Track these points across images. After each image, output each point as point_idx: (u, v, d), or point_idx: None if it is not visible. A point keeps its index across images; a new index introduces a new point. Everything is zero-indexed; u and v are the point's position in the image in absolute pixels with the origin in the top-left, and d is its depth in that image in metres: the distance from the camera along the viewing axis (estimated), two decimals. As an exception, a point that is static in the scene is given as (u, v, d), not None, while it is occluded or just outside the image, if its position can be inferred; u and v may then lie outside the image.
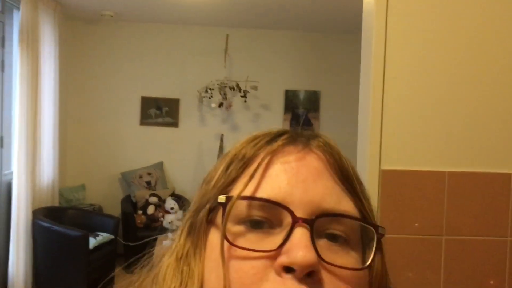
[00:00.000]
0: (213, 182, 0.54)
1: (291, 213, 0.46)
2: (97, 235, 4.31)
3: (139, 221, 5.01)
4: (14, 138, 4.09)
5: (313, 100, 5.81)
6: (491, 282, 1.46)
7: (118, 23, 5.56)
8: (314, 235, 0.45)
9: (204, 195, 0.54)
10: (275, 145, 0.52)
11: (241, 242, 0.47)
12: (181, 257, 0.52)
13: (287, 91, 5.78)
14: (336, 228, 0.48)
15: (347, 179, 0.51)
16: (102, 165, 5.59)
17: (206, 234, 0.52)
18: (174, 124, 5.70)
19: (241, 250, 0.46)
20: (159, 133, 5.68)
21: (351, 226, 0.48)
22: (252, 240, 0.47)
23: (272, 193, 0.48)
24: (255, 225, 0.47)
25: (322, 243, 0.46)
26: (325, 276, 0.45)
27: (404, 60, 1.44)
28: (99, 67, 5.61)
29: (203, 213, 0.52)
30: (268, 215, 0.47)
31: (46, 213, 4.24)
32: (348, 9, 4.24)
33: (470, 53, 1.46)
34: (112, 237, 4.44)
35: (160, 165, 5.63)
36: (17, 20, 4.18)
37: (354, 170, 0.54)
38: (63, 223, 4.22)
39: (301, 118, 5.80)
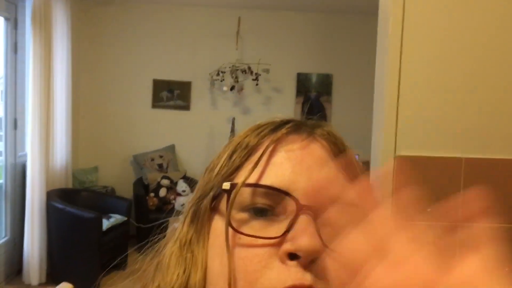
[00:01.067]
0: (216, 170, 0.54)
1: (296, 200, 0.46)
2: (110, 217, 4.35)
3: (151, 204, 5.05)
4: (27, 120, 4.12)
5: (326, 83, 5.76)
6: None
7: (131, 4, 5.53)
8: (317, 221, 0.45)
9: (208, 183, 0.54)
10: (279, 133, 0.52)
11: (245, 229, 0.47)
12: (184, 244, 0.53)
13: (299, 74, 5.74)
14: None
15: (350, 167, 0.52)
16: (115, 147, 5.63)
17: (209, 221, 0.52)
18: (186, 107, 5.70)
19: (245, 237, 0.46)
20: (171, 116, 5.68)
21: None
22: (256, 227, 0.47)
23: (277, 180, 0.48)
24: (259, 212, 0.48)
25: (325, 228, 0.46)
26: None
27: (421, 45, 1.41)
28: (111, 49, 5.60)
29: (206, 200, 0.53)
30: (272, 203, 0.48)
31: (60, 195, 4.28)
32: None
33: (490, 37, 1.42)
34: (125, 219, 4.48)
35: (171, 148, 5.65)
36: (29, 2, 4.17)
37: (356, 160, 0.55)
38: (76, 205, 4.27)
39: (313, 102, 5.76)
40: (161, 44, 5.62)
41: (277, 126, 0.54)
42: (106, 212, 4.41)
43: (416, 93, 1.42)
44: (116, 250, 4.33)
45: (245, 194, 0.48)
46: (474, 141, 1.43)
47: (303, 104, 5.75)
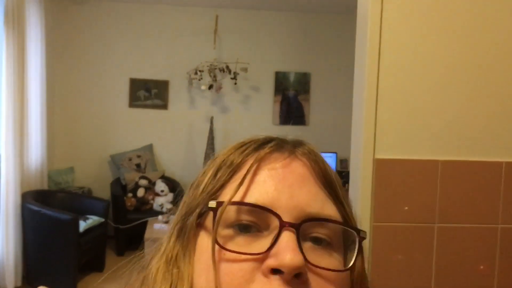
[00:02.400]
0: (201, 187, 0.55)
1: (279, 217, 0.48)
2: (87, 218, 4.30)
3: (129, 204, 5.00)
4: (1, 121, 4.03)
5: (304, 82, 5.79)
6: (481, 267, 1.48)
7: (106, 3, 5.46)
8: (300, 239, 0.47)
9: (193, 200, 0.56)
10: (262, 152, 0.54)
11: (230, 245, 0.48)
12: (170, 260, 0.54)
13: (277, 73, 5.75)
14: (320, 232, 0.50)
15: (330, 185, 0.54)
16: (91, 147, 5.55)
17: (195, 237, 0.53)
18: (164, 106, 5.66)
19: (231, 253, 0.48)
20: (149, 115, 5.63)
21: (334, 229, 0.51)
22: (240, 243, 0.48)
23: (260, 198, 0.50)
24: (243, 229, 0.49)
25: (307, 246, 0.48)
26: (311, 277, 0.47)
27: (399, 48, 1.43)
28: (86, 48, 5.52)
29: (192, 217, 0.54)
30: (256, 220, 0.49)
31: (35, 196, 4.21)
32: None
33: (466, 41, 1.45)
34: (102, 220, 4.43)
35: (149, 148, 5.60)
36: (1, 2, 4.08)
37: (337, 177, 0.57)
38: (52, 207, 4.20)
39: (291, 100, 5.79)
40: (138, 43, 5.56)
41: (260, 145, 0.56)
42: (83, 213, 4.36)
43: (394, 98, 1.44)
44: (94, 251, 4.28)
45: (230, 212, 0.50)
46: (450, 144, 1.46)
47: (282, 102, 5.77)
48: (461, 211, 1.44)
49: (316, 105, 5.76)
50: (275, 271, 0.45)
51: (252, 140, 0.57)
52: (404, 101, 1.44)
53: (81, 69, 5.52)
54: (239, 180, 0.52)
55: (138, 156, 5.43)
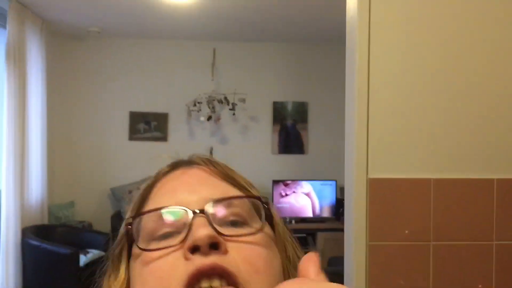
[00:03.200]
0: (124, 222, 0.61)
1: (187, 208, 0.52)
2: (88, 252, 4.28)
3: (129, 237, 4.98)
4: (1, 157, 4.06)
5: (301, 111, 5.85)
6: (480, 286, 1.48)
7: (105, 39, 5.57)
8: (217, 224, 0.51)
9: (118, 235, 0.61)
10: (164, 169, 0.63)
11: (154, 245, 0.52)
12: (113, 276, 0.58)
13: (275, 103, 5.82)
14: (232, 214, 0.53)
15: (230, 176, 0.60)
16: (91, 181, 5.57)
17: (126, 257, 0.57)
18: (163, 138, 5.71)
19: (154, 252, 0.51)
20: (148, 148, 5.67)
21: (242, 206, 0.55)
22: (163, 244, 0.52)
23: (169, 202, 0.54)
24: (165, 237, 0.53)
25: (225, 228, 0.51)
26: (233, 245, 0.50)
27: (387, 70, 1.48)
28: (86, 83, 5.60)
29: (119, 248, 0.58)
30: (174, 224, 0.52)
31: (36, 231, 4.20)
32: (331, 19, 4.30)
33: (453, 62, 1.50)
34: (103, 253, 4.41)
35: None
36: (3, 39, 4.18)
37: (238, 173, 0.62)
38: (52, 241, 4.19)
39: (290, 130, 5.84)
40: (136, 76, 5.65)
41: (161, 169, 0.64)
42: (84, 247, 4.34)
43: (384, 118, 1.47)
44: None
45: (149, 223, 0.54)
46: (442, 162, 1.48)
47: (280, 132, 5.82)
48: (455, 229, 1.46)
49: (315, 134, 5.81)
50: (193, 249, 0.48)
51: (168, 165, 0.65)
52: (394, 122, 1.47)
53: (81, 103, 5.59)
54: (151, 201, 0.58)
55: (138, 189, 5.43)
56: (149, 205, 0.57)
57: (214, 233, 0.48)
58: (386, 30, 1.49)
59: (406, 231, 1.44)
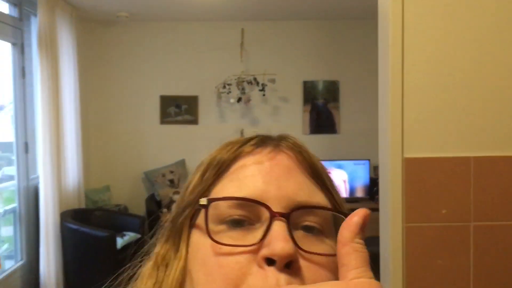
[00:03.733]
0: (190, 189, 0.58)
1: (268, 208, 0.49)
2: (124, 235, 4.36)
3: (164, 220, 5.05)
4: (38, 143, 4.16)
5: (332, 90, 5.76)
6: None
7: (134, 23, 5.59)
8: (291, 227, 0.48)
9: (182, 202, 0.58)
10: (248, 147, 0.57)
11: (224, 239, 0.50)
12: (159, 260, 0.57)
13: (305, 82, 5.74)
14: (311, 220, 0.51)
15: (317, 174, 0.56)
16: (125, 165, 5.65)
17: (187, 237, 0.55)
18: (194, 121, 5.72)
19: (225, 247, 0.49)
20: (180, 131, 5.70)
21: (324, 216, 0.52)
22: (234, 237, 0.50)
23: (249, 191, 0.51)
24: (236, 223, 0.51)
25: (299, 234, 0.49)
26: (303, 264, 0.48)
27: (422, 46, 1.41)
28: (117, 68, 5.66)
29: (183, 217, 0.56)
30: (247, 213, 0.51)
31: (74, 215, 4.31)
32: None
33: (490, 37, 1.42)
34: (139, 236, 4.49)
35: (182, 163, 5.66)
36: (35, 27, 4.24)
37: (323, 166, 0.58)
38: (90, 225, 4.29)
39: (321, 109, 5.76)
40: (166, 60, 5.66)
41: (244, 142, 0.58)
42: (120, 230, 4.43)
43: (419, 95, 1.41)
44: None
45: (222, 208, 0.51)
46: (481, 139, 1.41)
47: (311, 112, 5.74)
48: (497, 208, 1.39)
49: (346, 113, 5.71)
50: (268, 261, 0.46)
51: (237, 140, 0.60)
52: (430, 98, 1.41)
53: (113, 89, 5.66)
54: (228, 177, 0.54)
55: (171, 172, 5.50)
56: (226, 183, 0.54)
57: (294, 250, 0.46)
58: (420, 5, 1.41)
59: (444, 211, 1.38)
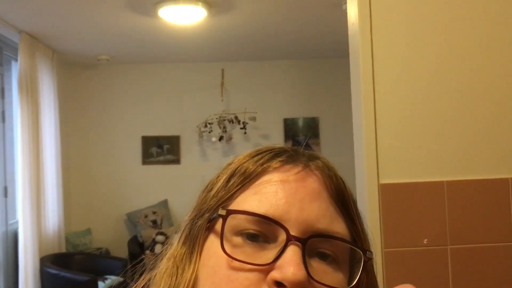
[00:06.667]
0: (213, 192, 0.56)
1: (286, 231, 0.48)
2: (106, 279, 4.27)
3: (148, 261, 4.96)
4: (18, 187, 4.11)
5: (312, 126, 5.84)
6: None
7: (115, 66, 5.65)
8: (306, 253, 0.48)
9: (204, 204, 0.57)
10: (276, 163, 0.55)
11: (237, 253, 0.49)
12: (176, 261, 0.55)
13: (285, 120, 5.82)
14: (327, 248, 0.50)
15: (342, 201, 0.54)
16: (107, 207, 5.59)
17: (203, 241, 0.54)
18: (176, 161, 5.73)
19: (237, 261, 0.48)
20: (162, 171, 5.69)
21: (341, 247, 0.51)
22: (248, 252, 0.49)
23: (270, 209, 0.50)
24: (251, 237, 0.50)
25: (312, 261, 0.49)
26: None
27: (392, 75, 1.47)
28: (98, 110, 5.67)
29: (201, 221, 0.55)
30: (264, 230, 0.50)
31: (54, 260, 4.21)
32: (336, 33, 4.30)
33: (457, 62, 1.48)
34: (121, 279, 4.39)
35: (164, 203, 5.62)
36: (15, 71, 4.26)
37: (351, 193, 0.57)
38: (71, 269, 4.20)
39: (302, 145, 5.81)
40: (147, 101, 5.71)
41: (274, 155, 0.56)
42: (102, 274, 4.33)
43: (392, 123, 1.45)
44: (114, 312, 4.22)
45: (239, 220, 0.51)
46: (454, 163, 1.46)
47: (292, 148, 5.79)
48: (472, 231, 1.42)
49: (326, 148, 5.78)
50: (278, 284, 0.46)
51: (268, 150, 0.58)
52: (403, 125, 1.46)
53: (94, 131, 5.66)
54: (251, 189, 0.53)
55: (154, 213, 5.45)
56: (249, 195, 0.52)
57: (305, 278, 0.46)
58: (388, 35, 1.48)
59: (425, 240, 1.41)
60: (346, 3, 1.66)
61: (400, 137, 1.45)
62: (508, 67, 1.48)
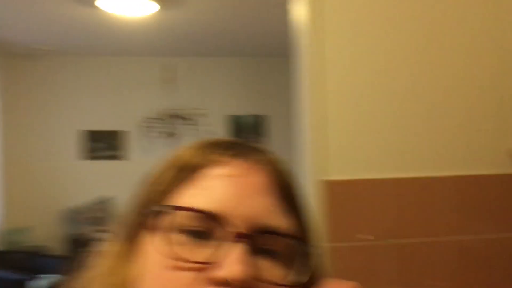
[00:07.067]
0: (153, 187, 0.54)
1: (231, 227, 0.47)
2: (43, 278, 4.12)
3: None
4: None
5: (259, 124, 5.87)
6: (444, 283, 1.50)
7: (57, 58, 5.43)
8: (251, 250, 0.46)
9: (143, 199, 0.54)
10: (224, 157, 0.52)
11: (178, 250, 0.47)
12: (114, 259, 0.53)
13: (232, 117, 5.81)
14: (272, 244, 0.49)
15: (289, 196, 0.53)
16: (46, 204, 5.38)
17: (142, 238, 0.52)
18: (118, 156, 5.59)
19: (176, 259, 0.47)
20: (104, 167, 5.54)
21: (287, 242, 0.50)
22: (187, 249, 0.47)
23: (213, 205, 0.48)
24: (192, 235, 0.48)
25: (257, 258, 0.47)
26: None
27: (342, 72, 1.48)
28: (39, 103, 5.45)
29: (140, 217, 0.53)
30: (206, 226, 0.48)
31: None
32: (280, 33, 4.32)
33: (410, 59, 1.51)
34: (59, 277, 4.24)
35: (105, 199, 5.47)
36: None
37: (298, 188, 0.55)
38: (8, 267, 4.02)
39: (248, 141, 5.83)
40: (88, 94, 5.54)
41: (219, 148, 0.54)
42: (40, 272, 4.18)
43: (341, 120, 1.47)
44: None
45: (180, 216, 0.48)
46: (400, 162, 1.49)
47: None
48: (418, 227, 1.47)
49: (272, 146, 5.82)
50: (221, 282, 0.44)
51: (215, 142, 0.56)
52: (351, 121, 1.48)
53: (34, 125, 5.43)
54: (193, 183, 0.50)
55: (94, 209, 5.31)
56: (191, 189, 0.50)
57: (250, 275, 0.44)
58: (338, 34, 1.49)
59: (372, 237, 1.44)
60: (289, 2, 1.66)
61: (348, 135, 1.47)
62: (450, 65, 1.53)
